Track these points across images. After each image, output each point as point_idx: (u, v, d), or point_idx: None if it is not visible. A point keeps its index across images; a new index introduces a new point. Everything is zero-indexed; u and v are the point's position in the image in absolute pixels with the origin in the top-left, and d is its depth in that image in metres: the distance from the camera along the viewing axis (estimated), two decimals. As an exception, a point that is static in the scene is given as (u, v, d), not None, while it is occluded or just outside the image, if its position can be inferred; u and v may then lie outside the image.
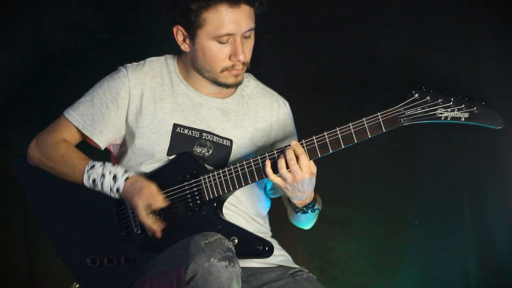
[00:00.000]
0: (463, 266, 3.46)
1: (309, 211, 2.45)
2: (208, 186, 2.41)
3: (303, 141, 2.32)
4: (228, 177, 2.40)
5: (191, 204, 2.42)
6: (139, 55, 2.61)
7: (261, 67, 3.36)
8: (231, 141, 2.53)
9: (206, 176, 2.41)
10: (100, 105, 2.50)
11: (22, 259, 3.56)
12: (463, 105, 2.19)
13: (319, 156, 2.32)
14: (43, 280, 3.56)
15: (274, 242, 2.55)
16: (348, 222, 3.57)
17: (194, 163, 2.44)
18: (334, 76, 3.53)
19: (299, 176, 2.29)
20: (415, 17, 3.41)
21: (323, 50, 3.53)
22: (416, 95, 2.23)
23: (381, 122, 2.26)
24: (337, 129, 2.29)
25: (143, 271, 2.37)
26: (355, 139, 2.28)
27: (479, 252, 3.43)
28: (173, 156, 2.48)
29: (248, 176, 2.38)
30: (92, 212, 2.51)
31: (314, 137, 2.32)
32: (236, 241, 2.36)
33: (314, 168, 2.32)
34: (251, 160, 2.38)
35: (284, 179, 2.31)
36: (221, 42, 2.40)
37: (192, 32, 2.42)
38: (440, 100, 2.21)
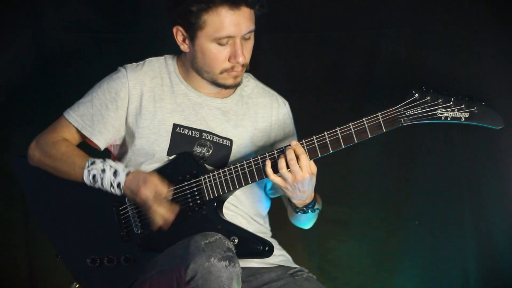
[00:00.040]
0: (463, 266, 3.45)
1: (309, 211, 2.45)
2: (208, 186, 2.41)
3: (303, 141, 2.32)
4: (228, 177, 2.40)
5: (191, 204, 2.41)
6: (139, 55, 2.61)
7: (261, 67, 3.36)
8: (231, 141, 2.53)
9: (206, 176, 2.41)
10: (99, 105, 2.50)
11: (22, 259, 3.56)
12: (463, 105, 2.19)
13: (319, 156, 2.32)
14: (43, 280, 3.55)
15: (274, 242, 2.55)
16: (348, 222, 3.56)
17: (194, 163, 2.44)
18: (334, 76, 3.53)
19: (300, 176, 2.29)
20: (415, 17, 3.40)
21: (323, 50, 3.53)
22: (416, 95, 2.23)
23: (381, 122, 2.26)
24: (337, 129, 2.30)
25: (143, 271, 2.37)
26: (355, 139, 2.28)
27: (479, 252, 3.43)
28: (173, 156, 2.48)
29: (248, 176, 2.38)
30: (92, 212, 2.51)
31: (314, 137, 2.32)
32: (236, 241, 2.36)
33: (314, 168, 2.32)
34: (251, 160, 2.38)
35: (284, 179, 2.32)
36: (220, 44, 2.40)
37: (192, 33, 2.42)
38: (440, 100, 2.21)
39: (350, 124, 2.28)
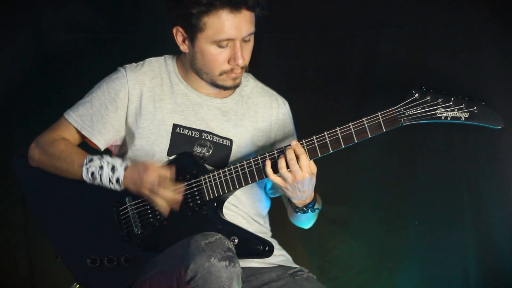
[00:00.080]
0: (463, 266, 3.45)
1: (309, 211, 2.45)
2: (208, 186, 2.41)
3: (303, 141, 2.32)
4: (228, 177, 2.40)
5: (191, 204, 2.41)
6: (139, 55, 2.61)
7: (261, 67, 3.36)
8: (231, 141, 2.53)
9: (206, 176, 2.41)
10: (99, 106, 2.50)
11: (22, 259, 3.56)
12: (463, 105, 2.19)
13: (319, 156, 2.32)
14: (43, 280, 3.55)
15: (274, 242, 2.55)
16: (348, 222, 3.56)
17: (194, 163, 2.44)
18: (334, 76, 3.53)
19: (299, 176, 2.29)
20: (415, 17, 3.40)
21: (323, 50, 3.53)
22: (416, 95, 2.23)
23: (381, 122, 2.26)
24: (337, 129, 2.30)
25: (143, 271, 2.37)
26: (355, 139, 2.28)
27: (479, 252, 3.43)
28: (173, 156, 2.48)
29: (248, 176, 2.38)
30: (92, 212, 2.50)
31: (314, 137, 2.32)
32: (236, 241, 2.36)
33: (314, 168, 2.32)
34: (251, 160, 2.38)
35: (284, 179, 2.32)
36: (220, 46, 2.40)
37: (191, 35, 2.42)
38: (440, 100, 2.21)
39: (350, 124, 2.28)
